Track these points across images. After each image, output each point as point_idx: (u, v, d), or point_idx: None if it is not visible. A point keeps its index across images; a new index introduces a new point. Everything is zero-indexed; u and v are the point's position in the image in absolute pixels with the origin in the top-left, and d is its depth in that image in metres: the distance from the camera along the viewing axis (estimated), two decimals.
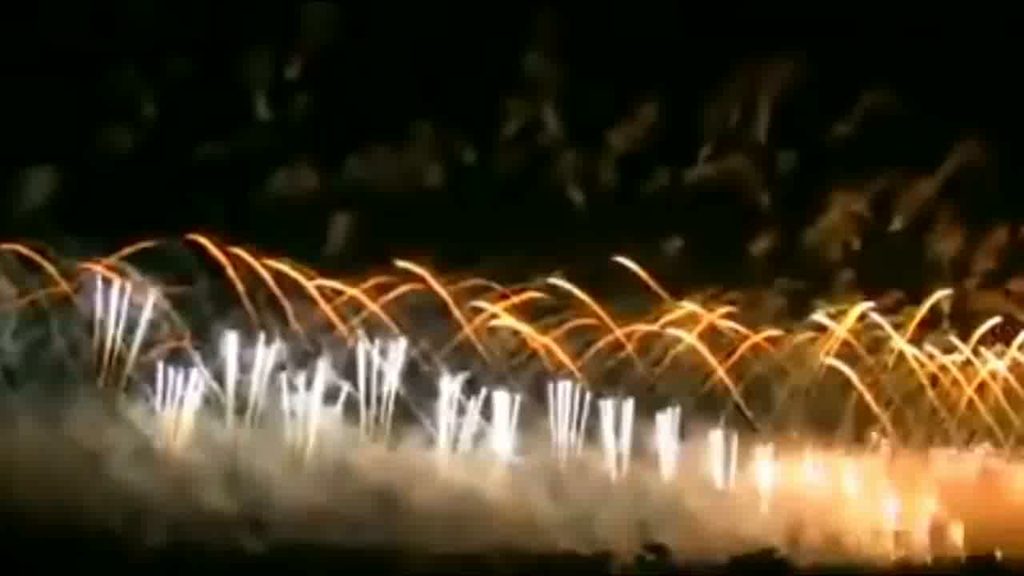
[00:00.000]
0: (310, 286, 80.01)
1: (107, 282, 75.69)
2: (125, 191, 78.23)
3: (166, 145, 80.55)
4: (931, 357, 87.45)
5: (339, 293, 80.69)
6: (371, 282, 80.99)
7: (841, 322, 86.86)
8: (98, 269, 75.92)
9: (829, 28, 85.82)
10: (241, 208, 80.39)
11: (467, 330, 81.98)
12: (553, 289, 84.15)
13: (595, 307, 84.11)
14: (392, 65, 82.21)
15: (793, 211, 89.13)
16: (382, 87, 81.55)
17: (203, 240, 78.08)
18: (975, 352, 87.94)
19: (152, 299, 75.53)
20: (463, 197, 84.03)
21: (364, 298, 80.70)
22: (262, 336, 77.16)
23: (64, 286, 74.75)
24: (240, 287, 78.38)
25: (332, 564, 66.91)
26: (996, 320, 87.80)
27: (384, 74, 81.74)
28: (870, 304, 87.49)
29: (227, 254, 78.90)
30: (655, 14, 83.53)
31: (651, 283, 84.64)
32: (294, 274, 79.45)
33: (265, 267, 79.44)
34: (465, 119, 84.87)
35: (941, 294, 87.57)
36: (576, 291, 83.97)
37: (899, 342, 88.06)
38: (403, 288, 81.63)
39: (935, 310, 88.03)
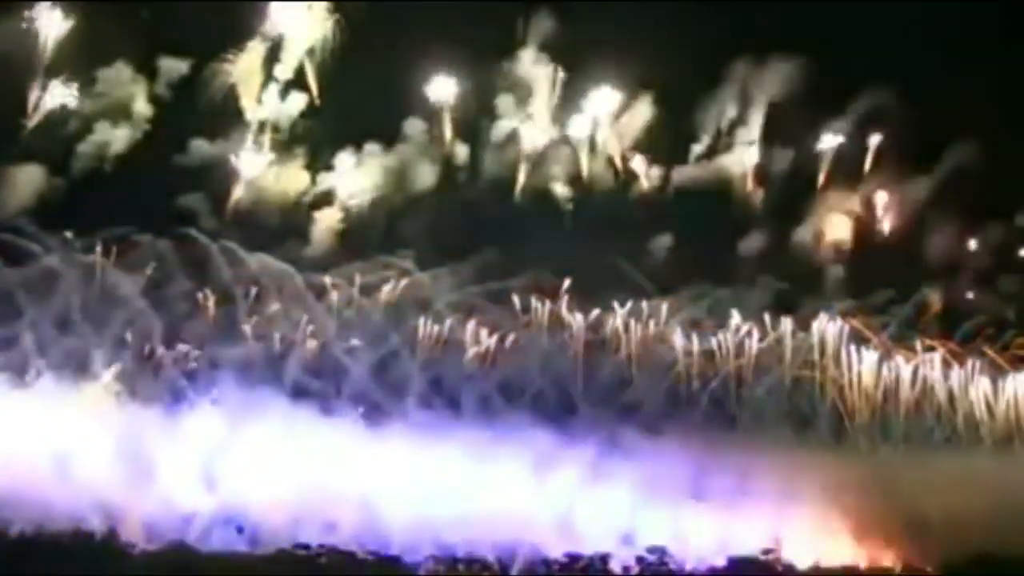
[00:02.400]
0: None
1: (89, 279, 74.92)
2: (112, 190, 77.98)
3: (155, 144, 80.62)
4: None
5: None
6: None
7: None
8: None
9: (825, 29, 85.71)
10: (227, 208, 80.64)
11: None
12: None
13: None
14: (384, 63, 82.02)
15: (785, 210, 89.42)
16: (374, 85, 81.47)
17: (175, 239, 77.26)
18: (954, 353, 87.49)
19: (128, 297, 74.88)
20: (453, 196, 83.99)
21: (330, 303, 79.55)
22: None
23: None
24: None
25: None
26: (979, 320, 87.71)
27: (376, 72, 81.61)
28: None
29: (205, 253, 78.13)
30: (650, 13, 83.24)
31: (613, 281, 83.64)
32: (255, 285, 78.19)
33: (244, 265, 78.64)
34: (457, 117, 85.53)
35: (928, 293, 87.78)
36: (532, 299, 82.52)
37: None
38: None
39: (923, 309, 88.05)
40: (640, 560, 70.93)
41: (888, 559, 75.96)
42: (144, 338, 74.52)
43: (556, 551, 70.47)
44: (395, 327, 79.34)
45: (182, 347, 75.47)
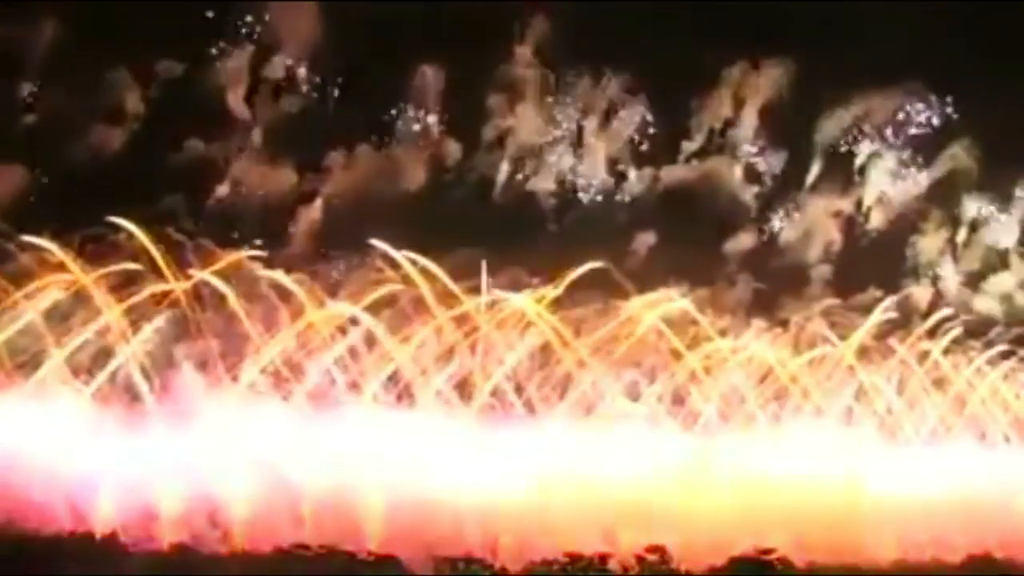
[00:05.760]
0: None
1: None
2: (100, 189, 77.73)
3: (143, 144, 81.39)
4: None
5: None
6: None
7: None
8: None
9: (818, 30, 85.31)
10: (212, 206, 79.99)
11: None
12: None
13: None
14: (376, 63, 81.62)
15: (775, 211, 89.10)
16: (366, 85, 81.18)
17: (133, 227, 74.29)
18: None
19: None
20: (442, 196, 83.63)
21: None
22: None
23: None
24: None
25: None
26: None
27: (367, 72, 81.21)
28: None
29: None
30: (644, 15, 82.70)
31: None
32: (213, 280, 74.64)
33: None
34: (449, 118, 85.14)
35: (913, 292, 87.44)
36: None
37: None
38: None
39: (908, 309, 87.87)
40: (640, 560, 69.27)
41: None
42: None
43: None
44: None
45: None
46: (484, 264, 78.23)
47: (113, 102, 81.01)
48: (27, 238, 72.30)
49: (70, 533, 62.68)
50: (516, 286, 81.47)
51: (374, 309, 78.83)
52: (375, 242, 79.11)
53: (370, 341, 77.52)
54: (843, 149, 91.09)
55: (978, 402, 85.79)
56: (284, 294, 78.93)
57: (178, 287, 75.42)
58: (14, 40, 79.30)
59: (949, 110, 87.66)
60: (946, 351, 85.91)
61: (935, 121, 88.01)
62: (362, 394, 76.27)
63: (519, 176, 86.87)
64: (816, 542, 74.56)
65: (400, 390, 76.88)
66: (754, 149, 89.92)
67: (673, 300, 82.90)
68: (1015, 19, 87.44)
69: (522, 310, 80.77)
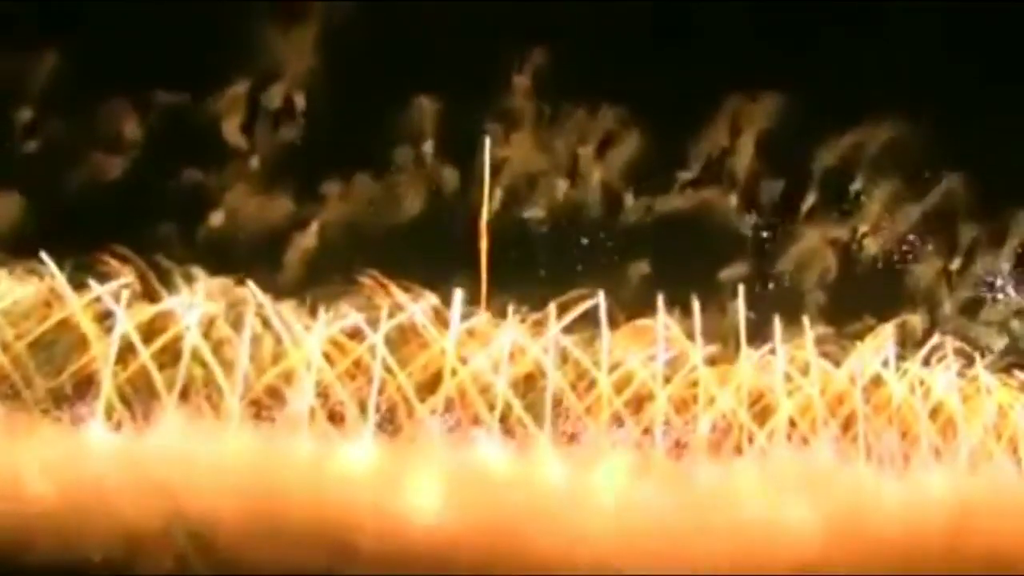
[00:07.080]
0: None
1: None
2: (95, 217, 78.58)
3: (141, 173, 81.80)
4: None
5: None
6: None
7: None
8: None
9: (817, 61, 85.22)
10: (206, 235, 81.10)
11: None
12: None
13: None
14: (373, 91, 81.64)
15: (771, 239, 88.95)
16: (364, 114, 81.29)
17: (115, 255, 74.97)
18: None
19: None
20: (437, 225, 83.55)
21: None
22: None
23: None
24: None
25: None
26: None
27: (366, 100, 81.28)
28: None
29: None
30: (641, 44, 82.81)
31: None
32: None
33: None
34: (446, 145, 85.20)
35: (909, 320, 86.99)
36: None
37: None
38: None
39: (901, 337, 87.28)
40: None
41: None
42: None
43: None
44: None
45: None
46: (483, 291, 78.26)
47: (111, 131, 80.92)
48: (18, 265, 72.91)
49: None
50: (507, 314, 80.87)
51: (361, 338, 78.30)
52: (366, 272, 78.84)
53: (354, 370, 77.44)
54: (839, 178, 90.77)
55: (971, 428, 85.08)
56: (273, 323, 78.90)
57: (167, 317, 75.30)
58: (11, 69, 79.24)
59: (944, 140, 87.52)
60: (939, 378, 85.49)
61: (930, 151, 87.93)
62: (346, 421, 76.47)
63: (514, 205, 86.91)
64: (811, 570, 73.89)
65: (383, 417, 77.17)
66: (750, 178, 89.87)
67: (662, 329, 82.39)
68: (1010, 49, 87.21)
69: (511, 338, 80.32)
